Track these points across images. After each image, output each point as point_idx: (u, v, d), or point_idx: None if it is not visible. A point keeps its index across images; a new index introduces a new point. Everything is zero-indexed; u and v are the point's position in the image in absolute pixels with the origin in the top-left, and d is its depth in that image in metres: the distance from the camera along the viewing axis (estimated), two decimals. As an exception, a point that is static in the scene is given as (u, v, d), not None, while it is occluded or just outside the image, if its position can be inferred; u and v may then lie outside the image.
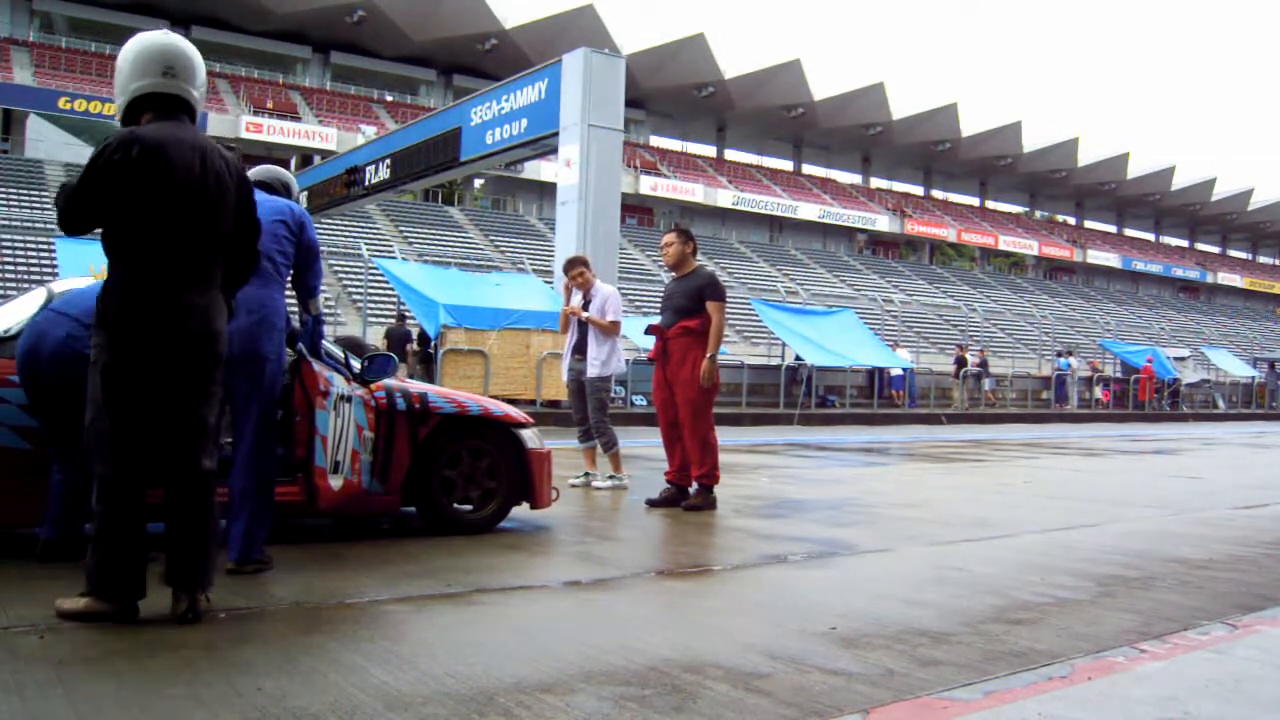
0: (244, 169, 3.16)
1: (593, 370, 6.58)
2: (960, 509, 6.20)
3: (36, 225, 28.88)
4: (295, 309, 4.00)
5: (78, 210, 2.93)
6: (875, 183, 63.01)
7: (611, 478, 6.56)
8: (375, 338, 20.90)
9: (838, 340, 20.03)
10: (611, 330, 6.59)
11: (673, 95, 51.13)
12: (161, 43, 3.07)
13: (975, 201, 66.67)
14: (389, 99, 48.69)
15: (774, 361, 22.87)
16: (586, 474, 6.65)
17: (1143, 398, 27.06)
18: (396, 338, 17.82)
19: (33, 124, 38.10)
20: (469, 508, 4.71)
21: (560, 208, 16.39)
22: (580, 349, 6.68)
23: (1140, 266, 67.57)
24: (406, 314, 18.50)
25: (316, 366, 4.06)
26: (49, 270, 21.46)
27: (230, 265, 3.15)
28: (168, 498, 3.02)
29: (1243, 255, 79.52)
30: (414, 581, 3.62)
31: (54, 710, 2.20)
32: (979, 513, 6.03)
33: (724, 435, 6.13)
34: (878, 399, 21.92)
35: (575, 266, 6.78)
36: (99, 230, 3.00)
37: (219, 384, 3.12)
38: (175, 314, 2.94)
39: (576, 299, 6.78)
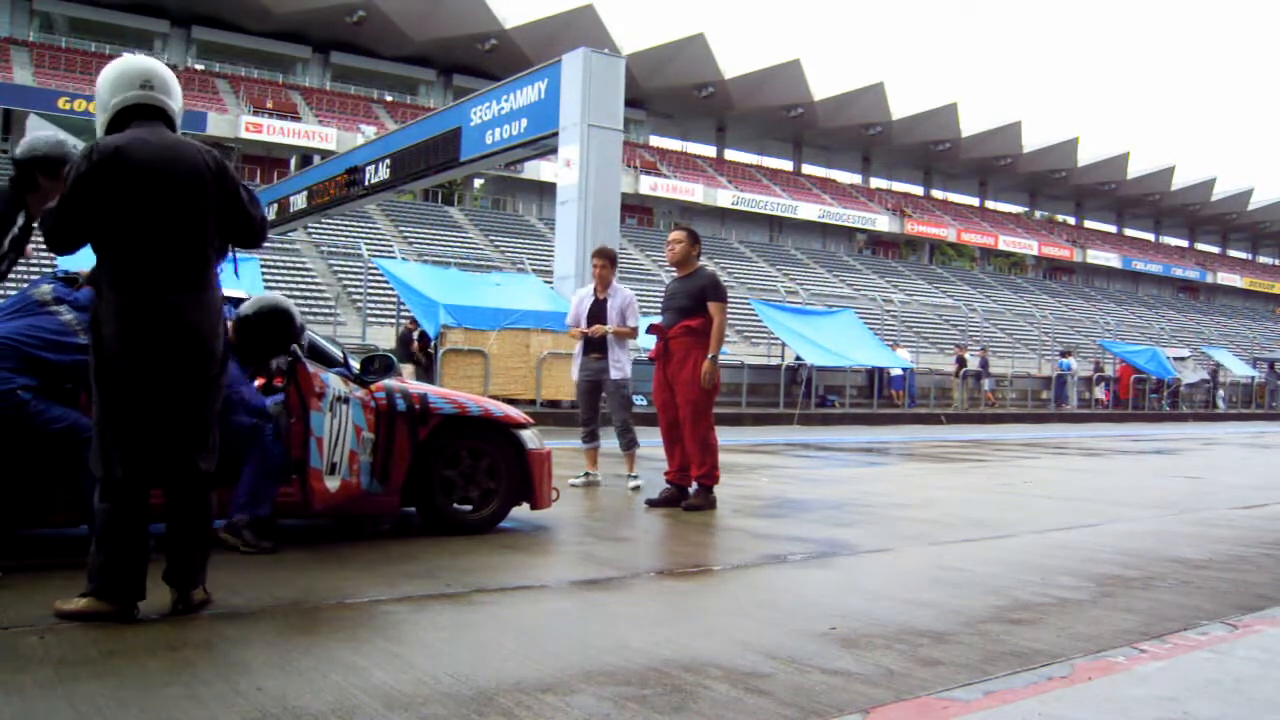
0: (224, 163, 3.15)
1: (616, 373, 6.58)
2: (960, 509, 6.20)
3: (36, 225, 28.85)
4: (302, 313, 4.01)
5: (60, 229, 2.96)
6: (875, 183, 63.01)
7: (634, 477, 6.56)
8: (374, 337, 20.92)
9: (838, 340, 20.03)
10: (633, 336, 6.68)
11: (673, 95, 51.14)
12: (138, 61, 3.17)
13: (975, 201, 66.68)
14: (389, 99, 48.71)
15: (774, 361, 22.88)
16: (587, 474, 6.65)
17: (1124, 396, 27.22)
18: (402, 339, 17.80)
19: (33, 124, 37.99)
20: (469, 508, 4.71)
21: (560, 208, 16.39)
22: (600, 348, 6.65)
23: (1140, 266, 67.59)
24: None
25: (312, 368, 4.06)
26: (48, 270, 21.46)
27: (222, 249, 3.18)
28: (166, 498, 3.04)
29: (1243, 255, 79.54)
30: (414, 581, 3.62)
31: (54, 710, 2.20)
32: (979, 513, 6.02)
33: (724, 435, 6.14)
34: (878, 399, 21.91)
35: (602, 257, 6.76)
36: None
37: (214, 382, 3.09)
38: (149, 314, 2.94)
39: (589, 298, 6.75)
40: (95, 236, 2.97)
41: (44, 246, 3.13)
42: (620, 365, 6.60)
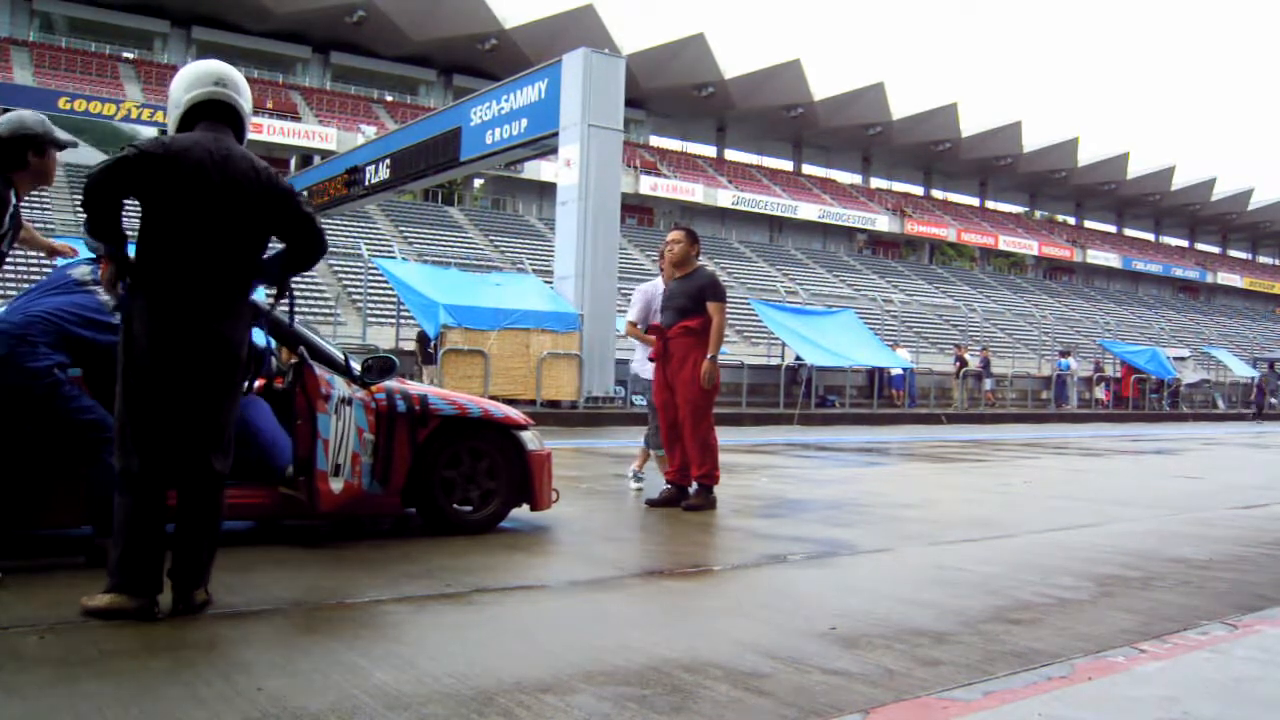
0: (274, 176, 3.17)
1: None
2: (960, 509, 6.20)
3: (37, 225, 28.86)
4: (298, 306, 4.01)
5: (94, 206, 2.95)
6: (875, 183, 62.99)
7: (641, 477, 6.46)
8: (374, 338, 20.91)
9: (838, 340, 20.03)
10: None
11: (673, 95, 51.11)
12: (213, 63, 3.29)
13: (975, 201, 66.66)
14: (389, 99, 48.70)
15: (774, 361, 22.87)
16: (639, 475, 6.46)
17: (1126, 394, 27.30)
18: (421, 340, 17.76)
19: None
20: (469, 508, 4.71)
21: (560, 208, 16.40)
22: None
23: (1140, 266, 67.56)
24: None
25: (318, 370, 4.05)
26: (49, 269, 21.48)
27: (288, 259, 3.23)
28: (179, 497, 3.06)
29: (1243, 255, 79.49)
30: (414, 581, 3.62)
31: (54, 710, 2.20)
32: (979, 513, 6.02)
33: (724, 435, 6.14)
34: (878, 399, 21.91)
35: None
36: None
37: (235, 387, 3.14)
38: (181, 319, 2.99)
39: (660, 296, 6.28)
40: (141, 231, 3.00)
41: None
42: None
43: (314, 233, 3.21)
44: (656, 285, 6.41)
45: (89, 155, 35.36)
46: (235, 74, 3.25)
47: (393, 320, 21.90)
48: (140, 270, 3.01)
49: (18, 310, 3.64)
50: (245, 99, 3.23)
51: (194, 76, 3.19)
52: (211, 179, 3.00)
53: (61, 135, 3.57)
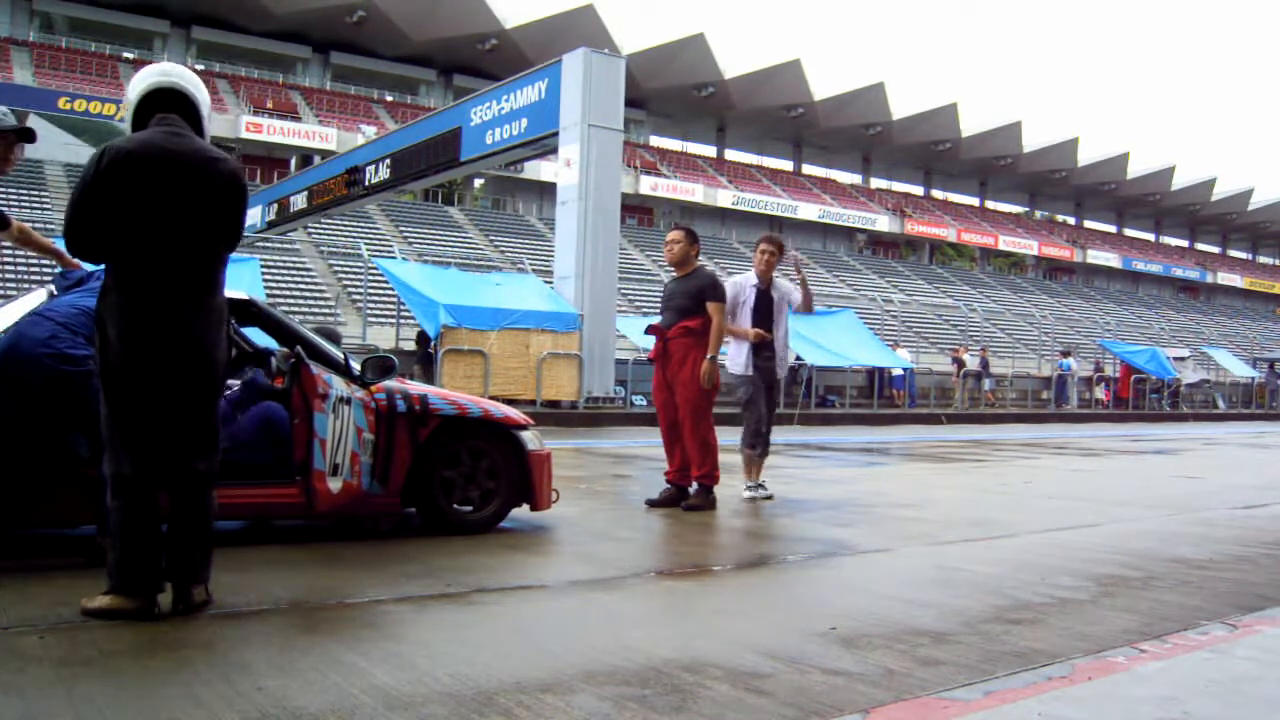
0: (237, 170, 3.16)
1: (783, 370, 6.39)
2: (960, 509, 6.20)
3: (36, 226, 28.76)
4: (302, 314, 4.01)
5: (78, 235, 2.97)
6: (875, 183, 62.99)
7: (761, 486, 6.30)
8: (374, 338, 20.90)
9: (838, 340, 20.03)
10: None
11: (673, 95, 51.12)
12: (163, 63, 3.32)
13: (975, 201, 66.66)
14: (389, 99, 48.71)
15: (774, 361, 22.85)
16: (759, 485, 6.31)
17: (1124, 395, 27.31)
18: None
19: (33, 124, 38.03)
20: (469, 508, 4.71)
21: (560, 208, 16.40)
22: (770, 345, 6.25)
23: (1140, 266, 67.56)
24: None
25: (315, 369, 4.05)
26: (48, 270, 21.46)
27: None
28: (169, 499, 3.06)
29: (1243, 255, 79.50)
30: (414, 582, 3.62)
31: (54, 710, 2.20)
32: (979, 513, 6.02)
33: (724, 435, 6.15)
34: (878, 399, 21.91)
35: (772, 244, 6.31)
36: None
37: (213, 388, 3.11)
38: (153, 322, 2.96)
39: (751, 289, 6.22)
40: (106, 234, 2.98)
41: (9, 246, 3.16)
42: (785, 360, 6.38)
43: (235, 241, 3.18)
44: (744, 279, 6.29)
45: (89, 155, 35.51)
46: (184, 69, 3.23)
47: (393, 320, 21.90)
48: (108, 272, 3.00)
49: (66, 303, 3.72)
50: (196, 89, 3.18)
51: (143, 75, 3.18)
52: (164, 171, 2.97)
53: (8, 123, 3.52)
